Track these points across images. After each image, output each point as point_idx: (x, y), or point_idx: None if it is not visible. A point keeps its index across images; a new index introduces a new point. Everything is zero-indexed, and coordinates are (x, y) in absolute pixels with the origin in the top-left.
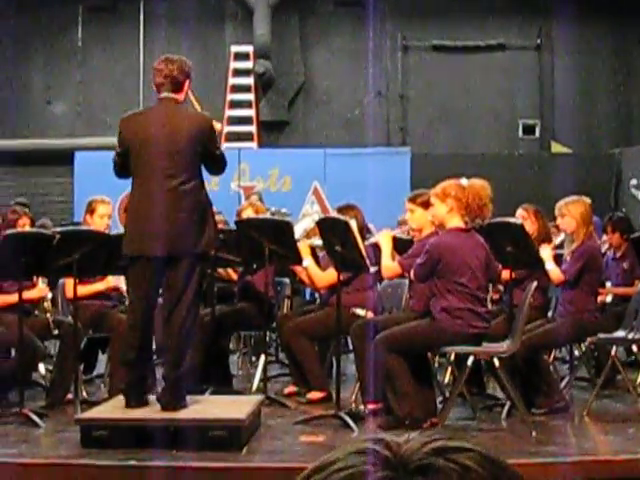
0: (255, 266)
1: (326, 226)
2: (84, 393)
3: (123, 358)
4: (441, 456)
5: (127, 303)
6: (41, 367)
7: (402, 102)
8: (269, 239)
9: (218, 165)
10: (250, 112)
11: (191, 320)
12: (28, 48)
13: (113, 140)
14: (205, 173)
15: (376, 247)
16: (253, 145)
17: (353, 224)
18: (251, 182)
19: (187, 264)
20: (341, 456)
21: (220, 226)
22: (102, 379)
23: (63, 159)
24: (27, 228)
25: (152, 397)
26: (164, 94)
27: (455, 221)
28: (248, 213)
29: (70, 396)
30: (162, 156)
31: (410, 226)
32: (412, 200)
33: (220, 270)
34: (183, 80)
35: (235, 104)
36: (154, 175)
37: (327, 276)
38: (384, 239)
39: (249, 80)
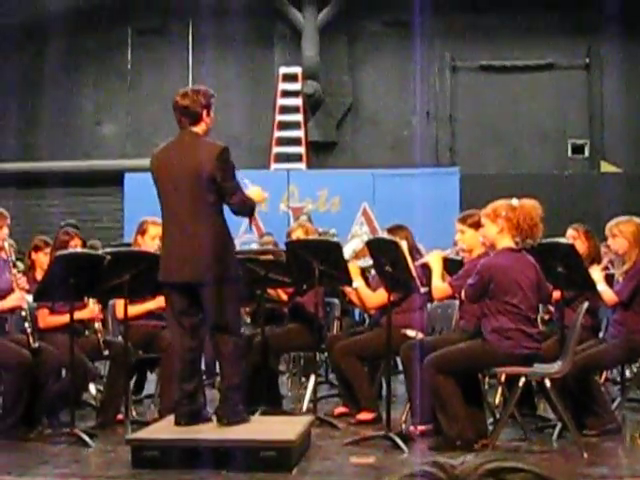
0: (305, 287)
1: (376, 247)
2: (134, 413)
3: (177, 374)
4: (495, 477)
5: None
6: (92, 387)
7: (451, 122)
8: (319, 260)
9: (231, 199)
10: (299, 133)
11: (233, 342)
12: (78, 70)
13: None
14: None
15: (426, 268)
16: (302, 166)
17: (403, 245)
18: (300, 203)
19: (213, 290)
20: (398, 479)
21: (270, 247)
22: (152, 399)
23: (113, 180)
24: (78, 249)
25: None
26: (183, 127)
27: (506, 241)
28: (298, 234)
29: (120, 416)
30: (181, 189)
31: (460, 247)
32: (462, 221)
33: (270, 291)
34: (200, 112)
35: (284, 125)
36: (175, 206)
37: (377, 297)
38: (434, 260)
39: (298, 101)
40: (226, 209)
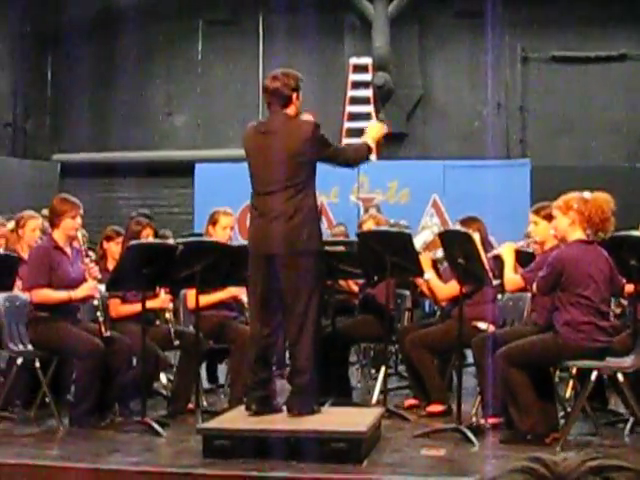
0: (376, 278)
1: (449, 238)
2: (205, 403)
3: (252, 360)
4: (598, 475)
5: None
6: (162, 377)
7: (522, 114)
8: (391, 251)
9: (343, 160)
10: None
11: (310, 331)
12: (149, 61)
13: (233, 152)
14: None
15: (497, 260)
16: (372, 157)
17: (476, 237)
18: (370, 194)
19: (296, 266)
20: (501, 474)
21: (341, 237)
22: (222, 389)
23: (184, 171)
24: (150, 239)
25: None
26: (274, 110)
27: (577, 234)
28: (369, 225)
29: (191, 406)
30: (272, 167)
31: (533, 239)
32: (536, 212)
33: (341, 282)
34: (289, 94)
35: (354, 116)
36: (265, 184)
37: (449, 289)
38: (507, 251)
39: (368, 92)
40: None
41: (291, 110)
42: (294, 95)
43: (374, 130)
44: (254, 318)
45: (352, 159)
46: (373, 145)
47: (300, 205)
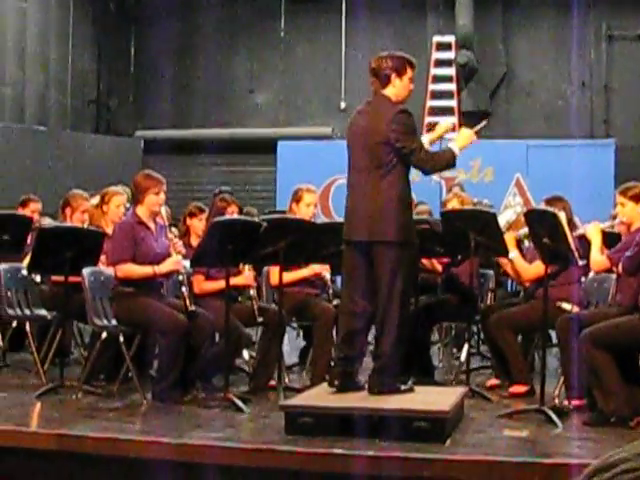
0: (460, 257)
1: (535, 218)
2: (287, 380)
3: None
4: None
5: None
6: (245, 353)
7: (606, 93)
8: (475, 230)
9: (409, 160)
10: (452, 103)
11: (398, 311)
12: (232, 39)
13: (315, 129)
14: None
15: (582, 240)
16: (455, 135)
17: (562, 216)
18: (452, 173)
19: (387, 252)
20: (628, 457)
21: (424, 216)
22: (303, 367)
23: (266, 148)
24: (235, 216)
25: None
26: (375, 90)
27: None
28: (453, 204)
29: (273, 382)
30: (362, 150)
31: (620, 219)
32: (623, 193)
33: (424, 261)
34: (389, 74)
35: (437, 95)
36: (356, 167)
37: (534, 269)
38: (593, 231)
39: (451, 70)
40: None
41: (390, 91)
42: (393, 75)
43: (464, 138)
44: (344, 294)
45: (428, 162)
46: (458, 153)
47: (384, 188)
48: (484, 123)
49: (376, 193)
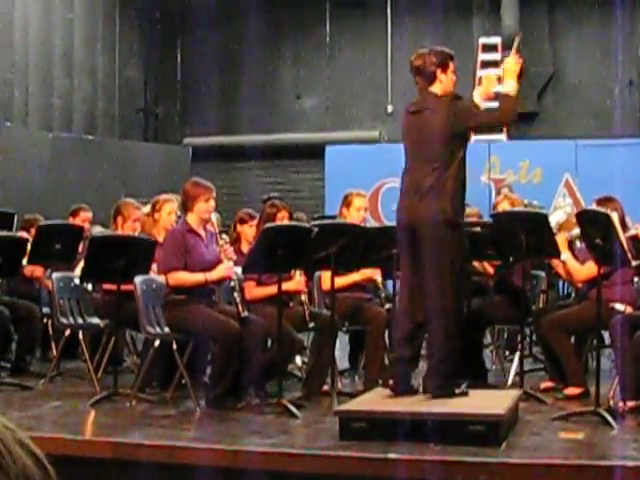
0: (512, 259)
1: (586, 219)
2: (339, 385)
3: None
4: None
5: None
6: (297, 359)
7: None
8: (526, 232)
9: (489, 121)
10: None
11: (447, 309)
12: (278, 45)
13: (362, 134)
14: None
15: (634, 240)
16: (503, 137)
17: (615, 217)
18: (501, 174)
19: (436, 241)
20: None
21: (474, 219)
22: (355, 371)
23: (313, 153)
24: (286, 221)
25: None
26: (421, 88)
27: None
28: (504, 206)
29: (325, 387)
30: (418, 148)
31: None
32: None
33: (475, 263)
34: (433, 71)
35: None
36: (408, 162)
37: (586, 270)
38: None
39: (497, 72)
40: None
41: (437, 87)
42: (438, 71)
43: (511, 69)
44: (401, 296)
45: (500, 116)
46: (514, 89)
47: (438, 178)
48: (517, 39)
49: (432, 184)
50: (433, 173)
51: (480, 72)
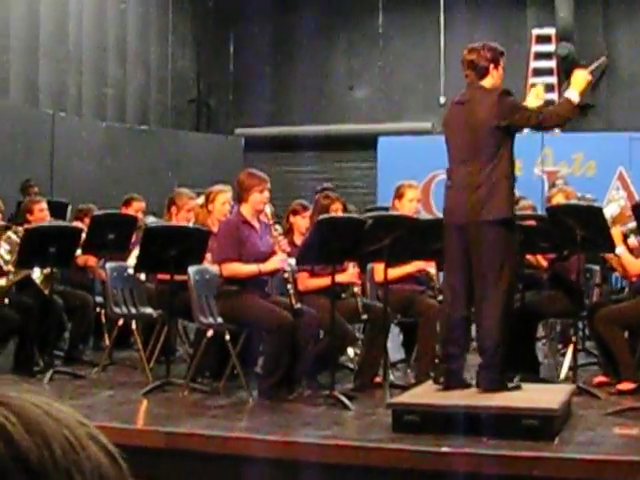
0: (566, 253)
1: None
2: (391, 376)
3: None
4: None
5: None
6: (349, 350)
7: None
8: (581, 225)
9: (529, 123)
10: (553, 96)
11: (501, 302)
12: (331, 36)
13: (415, 125)
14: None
15: None
16: (556, 130)
17: None
18: (554, 167)
19: (487, 235)
20: None
21: (528, 212)
22: (407, 363)
23: (366, 144)
24: (339, 213)
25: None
26: (471, 82)
27: None
28: (559, 199)
29: (377, 379)
30: (465, 141)
31: None
32: None
33: (529, 257)
34: (487, 66)
35: None
36: (457, 159)
37: None
38: None
39: (551, 63)
40: None
41: (487, 82)
42: (491, 66)
43: (579, 80)
44: (447, 290)
45: (548, 119)
46: (577, 99)
47: (489, 175)
48: (602, 60)
49: (481, 178)
50: (486, 169)
51: (533, 63)
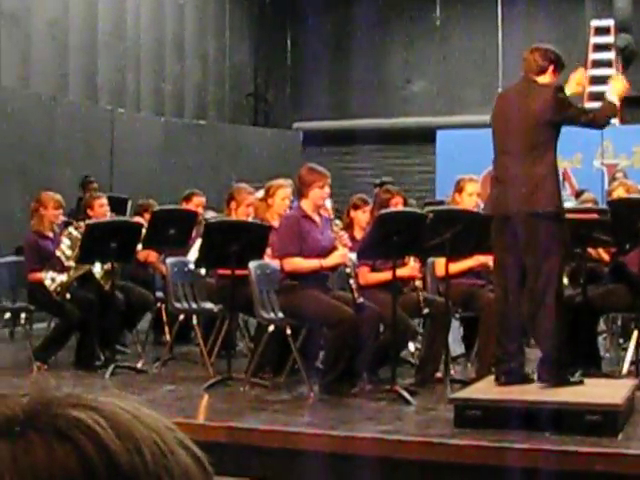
0: (628, 246)
1: None
2: (452, 371)
3: (499, 331)
4: None
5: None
6: (410, 345)
7: None
8: None
9: (586, 121)
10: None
11: (554, 295)
12: (388, 29)
13: (473, 118)
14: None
15: None
16: (616, 121)
17: None
18: (614, 159)
19: (535, 228)
20: None
21: (589, 205)
22: (467, 358)
23: (424, 138)
24: (399, 207)
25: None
26: (526, 76)
27: None
28: (619, 192)
29: (438, 374)
30: (514, 130)
31: None
32: None
33: (590, 250)
34: (546, 65)
35: (596, 80)
36: (507, 147)
37: None
38: None
39: (610, 55)
40: None
41: (542, 79)
42: (551, 67)
43: (617, 87)
44: (498, 287)
45: (596, 119)
46: (618, 102)
47: (536, 168)
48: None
49: (529, 171)
50: (534, 161)
51: (592, 55)
